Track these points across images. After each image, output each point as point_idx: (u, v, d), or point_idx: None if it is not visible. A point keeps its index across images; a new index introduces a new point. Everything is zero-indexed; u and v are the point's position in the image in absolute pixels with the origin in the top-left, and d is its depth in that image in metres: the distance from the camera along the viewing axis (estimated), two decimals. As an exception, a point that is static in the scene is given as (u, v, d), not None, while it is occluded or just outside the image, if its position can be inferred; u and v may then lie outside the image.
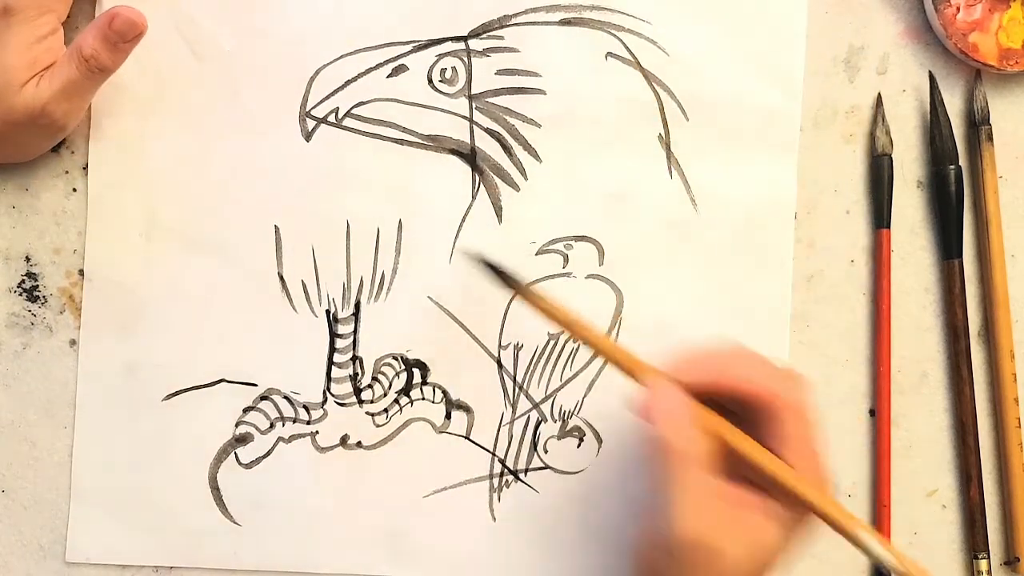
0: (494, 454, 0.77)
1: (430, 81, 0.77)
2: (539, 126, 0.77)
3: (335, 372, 0.77)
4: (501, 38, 0.77)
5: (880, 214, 0.78)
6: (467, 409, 0.77)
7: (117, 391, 0.77)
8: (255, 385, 0.77)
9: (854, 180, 0.79)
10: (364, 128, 0.77)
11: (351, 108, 0.77)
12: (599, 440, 0.78)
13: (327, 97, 0.77)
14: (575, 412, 0.78)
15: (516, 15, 0.77)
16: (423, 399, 0.77)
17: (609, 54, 0.77)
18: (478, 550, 0.77)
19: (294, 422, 0.77)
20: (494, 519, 0.77)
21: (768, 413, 0.63)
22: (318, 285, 0.77)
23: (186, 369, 0.77)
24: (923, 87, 0.79)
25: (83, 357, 0.77)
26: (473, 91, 0.77)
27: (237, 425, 0.77)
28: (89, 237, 0.77)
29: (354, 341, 0.77)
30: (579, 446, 0.78)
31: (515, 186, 0.77)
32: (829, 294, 0.79)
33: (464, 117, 0.77)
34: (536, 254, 0.77)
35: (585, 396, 0.78)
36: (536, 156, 0.77)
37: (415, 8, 0.77)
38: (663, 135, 0.77)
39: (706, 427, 0.63)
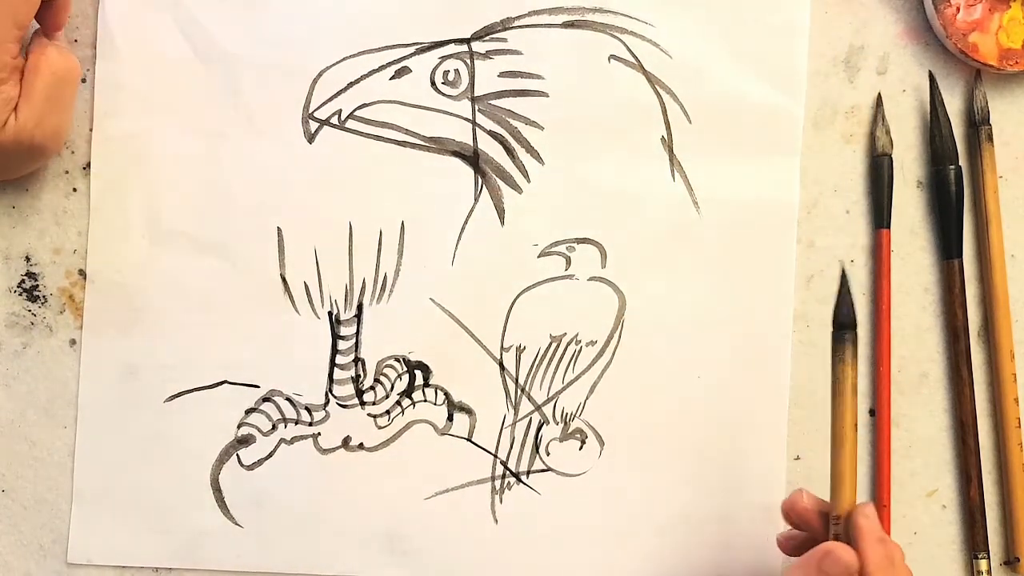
0: (496, 456, 0.78)
1: (433, 83, 0.77)
2: (542, 128, 0.77)
3: (337, 374, 0.77)
4: (504, 40, 0.77)
5: (880, 214, 0.78)
6: (469, 411, 0.77)
7: (119, 392, 0.77)
8: (257, 387, 0.77)
9: (854, 180, 0.79)
10: (367, 130, 0.77)
11: (354, 110, 0.76)
12: (601, 442, 0.78)
13: (330, 99, 0.77)
14: (577, 414, 0.78)
15: (519, 17, 0.77)
16: (425, 401, 0.77)
17: (612, 56, 0.77)
18: (480, 552, 0.77)
19: (296, 423, 0.77)
20: (496, 521, 0.78)
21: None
22: (320, 287, 0.77)
23: (188, 370, 0.77)
24: (923, 87, 0.79)
25: (85, 358, 0.77)
26: (476, 93, 0.77)
27: (239, 426, 0.77)
28: (91, 238, 0.77)
29: (356, 343, 0.77)
30: (581, 448, 0.78)
31: (517, 188, 0.77)
32: (829, 294, 0.79)
33: (467, 119, 0.77)
34: (538, 256, 0.77)
35: (587, 399, 0.78)
36: (539, 158, 0.77)
37: (418, 10, 0.77)
38: (666, 137, 0.77)
39: None
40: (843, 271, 0.67)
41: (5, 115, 0.70)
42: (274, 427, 0.77)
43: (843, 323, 0.66)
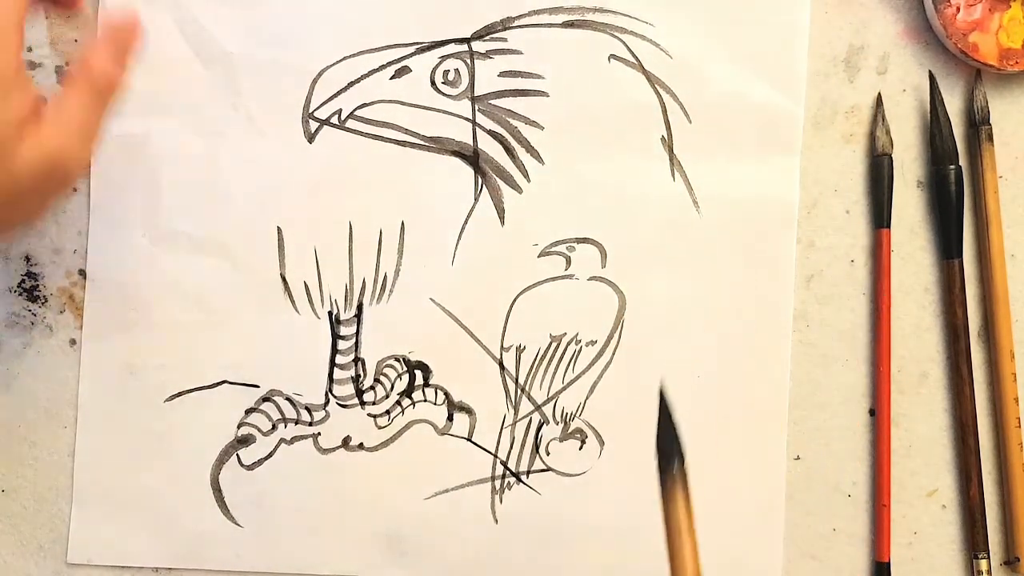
0: (496, 456, 0.78)
1: (433, 83, 0.77)
2: (542, 128, 0.77)
3: (337, 373, 0.77)
4: (504, 40, 0.77)
5: (880, 214, 0.78)
6: (469, 411, 0.77)
7: (119, 392, 0.77)
8: (257, 386, 0.77)
9: (854, 180, 0.79)
10: (367, 130, 0.77)
11: (354, 110, 0.76)
12: (601, 442, 0.78)
13: (330, 99, 0.77)
14: (577, 414, 0.78)
15: (519, 17, 0.77)
16: (425, 401, 0.77)
17: (612, 56, 0.77)
18: (480, 552, 0.77)
19: (296, 423, 0.77)
20: (496, 521, 0.78)
21: None
22: (320, 286, 0.77)
23: (188, 370, 0.77)
24: (923, 87, 0.79)
25: (85, 358, 0.77)
26: (476, 93, 0.77)
27: (239, 426, 0.77)
28: (91, 237, 0.77)
29: (356, 342, 0.77)
30: (581, 448, 0.78)
31: (517, 188, 0.77)
32: (829, 294, 0.79)
33: (467, 119, 0.77)
34: (539, 256, 0.77)
35: (587, 398, 0.78)
36: (539, 158, 0.77)
37: (418, 10, 0.77)
38: (666, 137, 0.77)
39: None
40: (662, 394, 0.60)
41: (15, 138, 0.59)
42: (274, 427, 0.77)
43: (667, 450, 0.58)
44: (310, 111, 0.77)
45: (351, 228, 0.77)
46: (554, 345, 0.77)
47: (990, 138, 0.79)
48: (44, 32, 0.77)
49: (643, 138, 0.77)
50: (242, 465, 0.77)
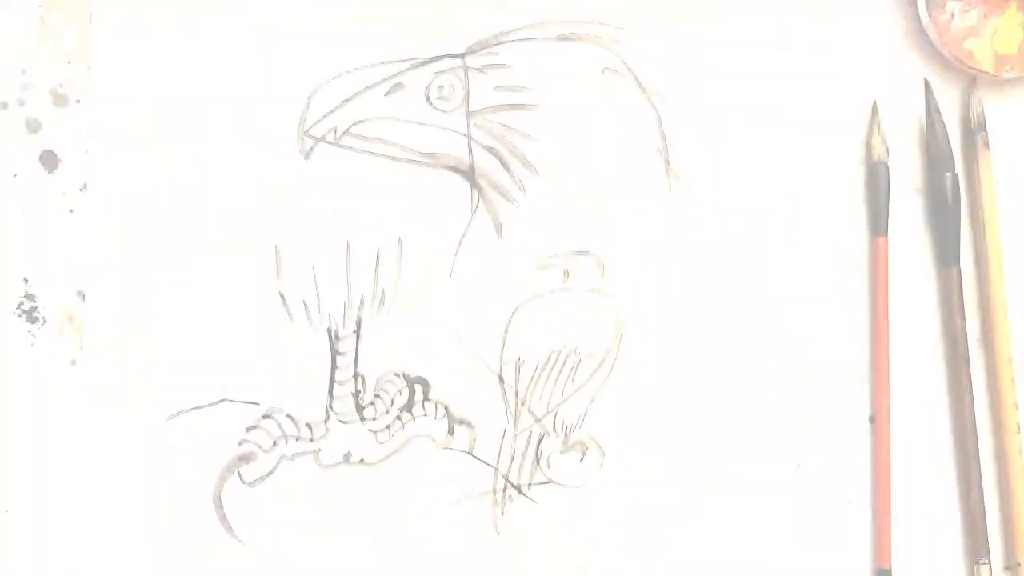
0: (497, 469, 0.77)
1: (428, 99, 0.77)
2: (537, 141, 0.77)
3: (337, 390, 0.77)
4: (498, 54, 0.77)
5: (877, 221, 0.78)
6: (469, 425, 0.77)
7: (119, 411, 0.77)
8: (257, 404, 0.77)
9: (851, 187, 0.79)
10: (363, 146, 0.77)
11: (349, 126, 0.77)
12: (602, 454, 0.78)
13: (325, 116, 0.77)
14: (577, 426, 0.78)
15: (512, 32, 0.77)
16: (425, 415, 0.77)
17: (606, 69, 0.77)
18: (482, 565, 0.77)
19: (296, 440, 0.77)
20: (498, 534, 0.77)
21: None
22: (319, 303, 0.77)
23: (188, 389, 0.77)
24: (919, 94, 0.79)
25: (85, 378, 0.77)
26: (471, 108, 0.77)
27: (240, 444, 0.77)
28: (90, 256, 0.77)
29: (355, 358, 0.77)
30: (582, 460, 0.78)
31: (514, 202, 0.77)
32: (828, 300, 0.79)
33: (462, 134, 0.77)
34: (537, 269, 0.77)
35: (587, 410, 0.78)
36: (535, 171, 0.77)
37: (412, 26, 0.77)
38: (661, 148, 0.77)
39: None
40: None
41: None
42: (275, 444, 0.77)
43: None
44: (306, 128, 0.77)
45: (348, 244, 0.77)
46: (554, 358, 0.77)
47: (986, 144, 0.79)
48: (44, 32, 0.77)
49: (639, 150, 0.77)
50: (243, 482, 0.77)
